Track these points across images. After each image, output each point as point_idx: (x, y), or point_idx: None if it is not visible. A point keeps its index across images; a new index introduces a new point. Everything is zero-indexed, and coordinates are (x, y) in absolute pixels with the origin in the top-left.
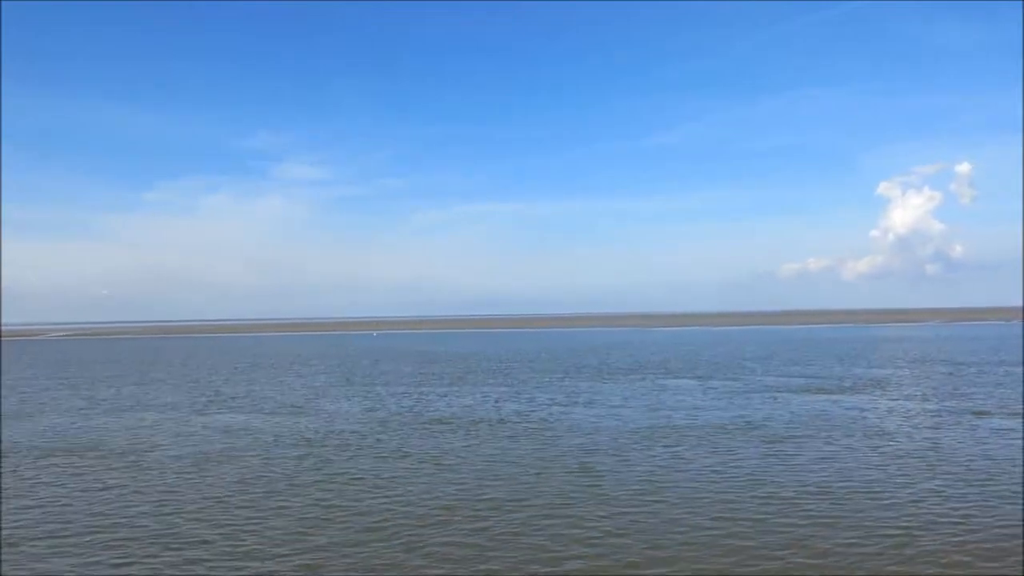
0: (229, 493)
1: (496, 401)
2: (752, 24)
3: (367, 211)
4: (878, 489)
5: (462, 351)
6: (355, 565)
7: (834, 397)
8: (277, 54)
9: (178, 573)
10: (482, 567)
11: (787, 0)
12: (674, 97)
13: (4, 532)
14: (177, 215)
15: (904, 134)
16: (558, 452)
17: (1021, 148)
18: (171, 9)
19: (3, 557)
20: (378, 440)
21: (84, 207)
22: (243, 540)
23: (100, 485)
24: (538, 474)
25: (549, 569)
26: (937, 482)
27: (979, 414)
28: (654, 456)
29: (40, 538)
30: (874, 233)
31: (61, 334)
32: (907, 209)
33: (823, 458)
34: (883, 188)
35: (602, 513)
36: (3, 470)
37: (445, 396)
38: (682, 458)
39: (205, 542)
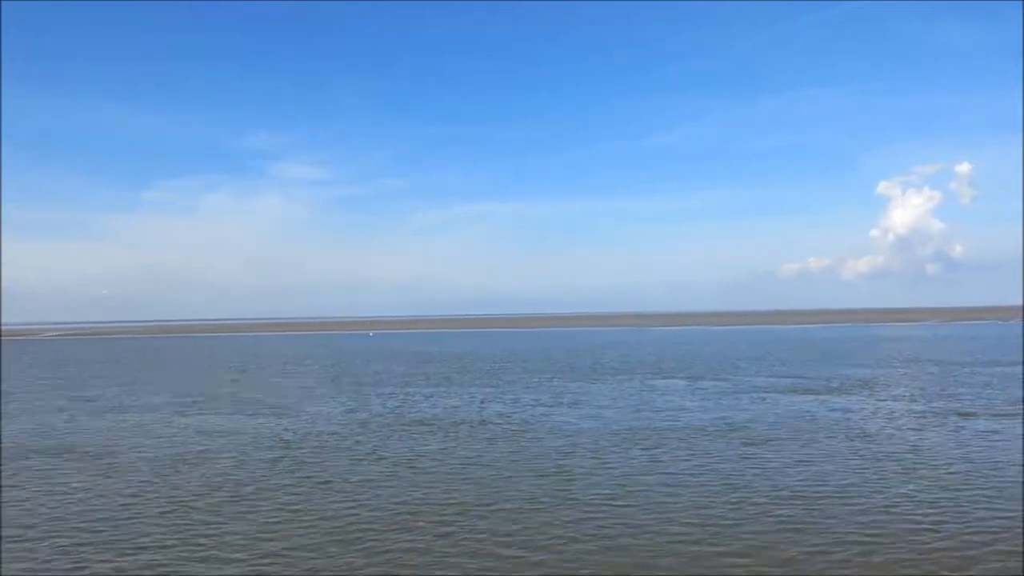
0: (195, 496)
1: (481, 402)
2: (752, 24)
3: (367, 211)
4: (853, 494)
5: (457, 351)
6: (310, 571)
7: (821, 398)
8: (277, 54)
9: None
10: (439, 573)
11: (787, 0)
12: (674, 97)
13: None
14: (177, 215)
15: (904, 134)
16: (534, 454)
17: (1021, 148)
18: (171, 9)
19: None
20: (356, 442)
21: (84, 207)
22: (200, 544)
23: (65, 488)
24: (510, 477)
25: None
26: (912, 486)
27: (965, 415)
28: (632, 459)
29: None
30: (874, 233)
31: (60, 334)
32: (907, 209)
33: (800, 461)
34: (883, 188)
35: (568, 518)
36: None
37: (431, 397)
38: (659, 461)
39: (163, 547)
